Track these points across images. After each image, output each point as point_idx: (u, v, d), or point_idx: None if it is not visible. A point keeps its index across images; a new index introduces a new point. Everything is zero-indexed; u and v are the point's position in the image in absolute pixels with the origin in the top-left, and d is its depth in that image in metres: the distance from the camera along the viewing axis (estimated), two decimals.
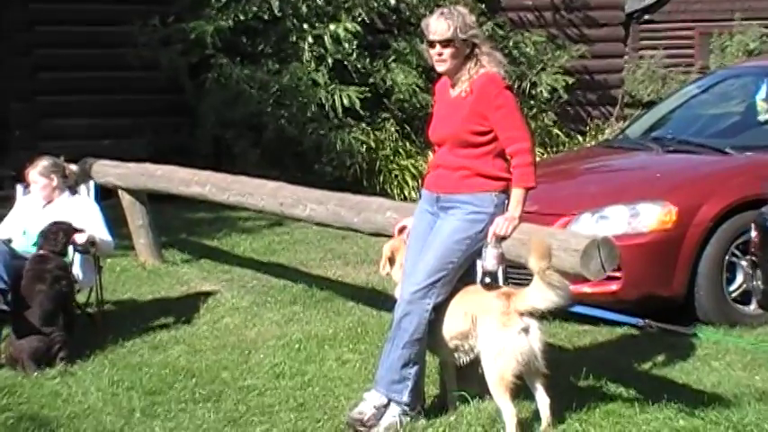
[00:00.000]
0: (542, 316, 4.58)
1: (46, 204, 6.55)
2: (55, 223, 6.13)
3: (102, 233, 6.49)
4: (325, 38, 11.63)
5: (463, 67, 4.64)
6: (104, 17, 11.70)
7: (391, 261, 4.97)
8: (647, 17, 24.10)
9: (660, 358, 5.62)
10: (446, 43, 4.59)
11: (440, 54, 4.63)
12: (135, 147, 10.37)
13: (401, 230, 5.00)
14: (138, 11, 11.52)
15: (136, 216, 8.24)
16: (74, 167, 6.94)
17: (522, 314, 4.42)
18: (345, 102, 11.52)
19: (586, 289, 6.01)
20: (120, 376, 5.49)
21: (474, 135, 4.59)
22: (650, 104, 11.04)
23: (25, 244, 6.25)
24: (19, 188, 6.93)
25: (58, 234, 6.05)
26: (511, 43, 12.97)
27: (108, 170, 8.23)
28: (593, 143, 12.42)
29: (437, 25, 4.61)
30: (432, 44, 4.64)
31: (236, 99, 11.38)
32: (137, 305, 7.05)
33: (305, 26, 11.76)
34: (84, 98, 11.61)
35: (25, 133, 11.42)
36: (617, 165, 7.66)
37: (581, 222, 6.31)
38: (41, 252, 6.02)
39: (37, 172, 6.52)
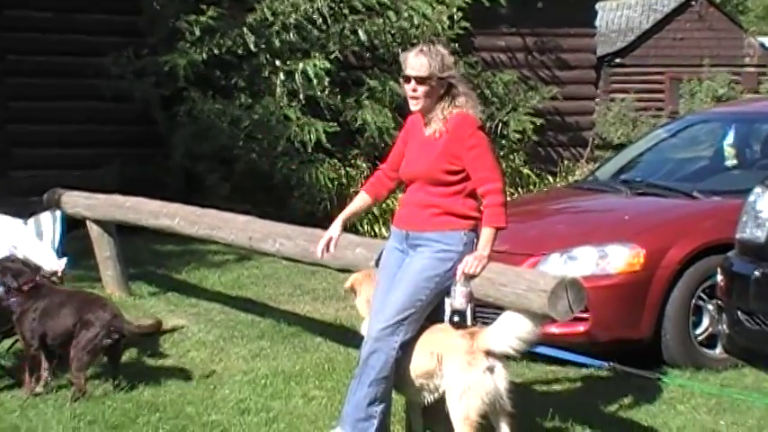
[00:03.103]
0: (508, 356, 4.59)
1: None
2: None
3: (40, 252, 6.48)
4: (296, 74, 11.65)
5: (437, 106, 4.65)
6: (78, 48, 11.66)
7: (354, 291, 4.98)
8: (618, 61, 24.44)
9: (627, 400, 5.63)
10: (422, 80, 4.60)
11: (414, 90, 4.64)
12: (105, 178, 10.31)
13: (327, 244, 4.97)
14: (113, 43, 11.50)
15: (104, 248, 8.18)
16: None
17: (487, 353, 4.41)
18: (313, 137, 11.52)
19: (554, 329, 6.01)
20: (82, 410, 5.41)
21: (446, 174, 4.60)
22: (620, 147, 11.15)
23: None
24: None
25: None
26: (482, 82, 13.06)
27: (77, 201, 8.18)
28: (563, 184, 12.50)
29: (415, 61, 4.62)
30: (407, 79, 4.65)
31: (208, 132, 11.35)
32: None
33: (277, 62, 11.78)
34: (55, 128, 11.54)
35: None
36: (586, 206, 7.71)
37: (550, 262, 6.33)
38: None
39: None
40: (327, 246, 4.99)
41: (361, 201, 5.04)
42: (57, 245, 6.78)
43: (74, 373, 5.59)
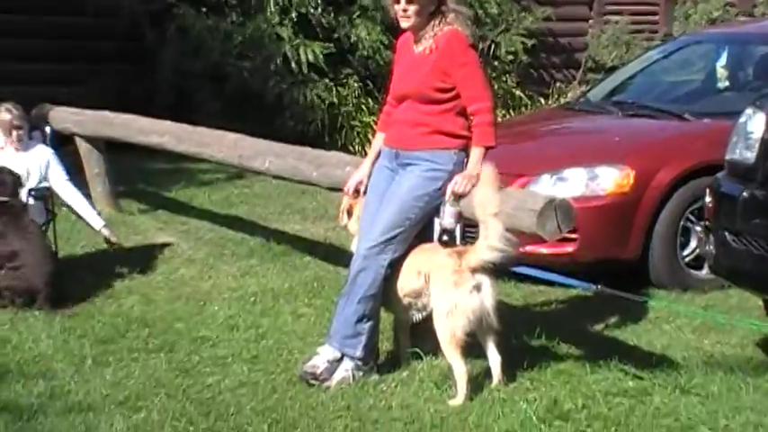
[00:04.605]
0: (496, 276, 4.62)
1: (4, 147, 6.50)
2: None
3: (60, 180, 6.51)
4: None
5: (428, 23, 4.60)
6: None
7: (349, 213, 4.97)
8: None
9: (612, 320, 5.69)
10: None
11: (404, 10, 4.59)
12: (92, 94, 10.20)
13: (356, 189, 4.95)
14: None
15: (93, 164, 8.15)
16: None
17: (474, 271, 4.43)
18: (310, 57, 11.42)
19: (542, 250, 6.06)
20: (72, 324, 5.45)
21: (436, 92, 4.57)
22: (613, 69, 11.03)
23: None
24: None
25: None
26: (476, 2, 12.88)
27: (65, 116, 8.12)
28: (554, 106, 12.44)
29: None
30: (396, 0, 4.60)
31: (198, 50, 11.23)
32: (91, 254, 6.97)
33: None
34: (41, 43, 11.38)
35: None
36: (577, 127, 7.69)
37: (540, 183, 6.33)
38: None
39: (20, 116, 6.48)
40: (357, 189, 4.92)
41: (379, 139, 4.96)
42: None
43: None
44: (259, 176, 8.56)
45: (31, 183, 6.45)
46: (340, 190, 5.64)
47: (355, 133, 11.83)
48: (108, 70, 11.37)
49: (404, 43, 4.81)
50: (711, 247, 5.21)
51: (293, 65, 11.40)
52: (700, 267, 6.38)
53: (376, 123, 11.52)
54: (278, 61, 11.35)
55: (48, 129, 7.37)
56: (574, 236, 5.96)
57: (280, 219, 8.38)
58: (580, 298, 6.08)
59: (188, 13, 11.21)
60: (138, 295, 6.07)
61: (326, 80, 11.80)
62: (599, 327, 5.62)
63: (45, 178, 6.52)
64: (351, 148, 11.41)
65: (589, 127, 7.59)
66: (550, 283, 6.13)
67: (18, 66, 11.14)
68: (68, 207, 6.81)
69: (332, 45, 11.60)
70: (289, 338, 5.28)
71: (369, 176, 4.92)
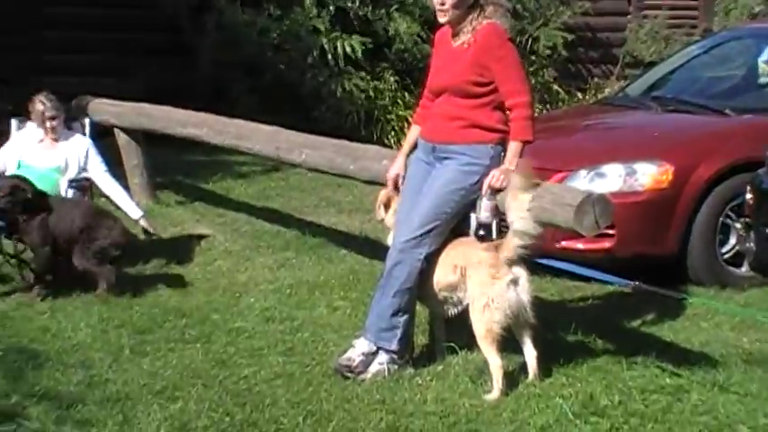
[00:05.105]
0: (533, 271, 4.60)
1: (43, 138, 6.56)
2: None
3: (99, 171, 6.56)
4: None
5: (466, 17, 4.59)
6: None
7: (386, 207, 4.97)
8: None
9: (649, 317, 5.64)
10: None
11: (442, 4, 4.58)
12: (132, 85, 10.28)
13: (395, 183, 4.95)
14: None
15: (131, 156, 8.21)
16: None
17: (510, 265, 4.41)
18: (348, 50, 11.44)
19: (579, 245, 6.03)
20: (110, 314, 5.50)
21: (474, 86, 4.56)
22: (652, 65, 10.94)
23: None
24: (14, 122, 6.91)
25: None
26: None
27: (105, 108, 8.18)
28: (592, 101, 12.36)
29: None
30: None
31: (236, 42, 11.28)
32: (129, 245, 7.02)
33: None
34: (84, 35, 11.48)
35: (23, 68, 11.30)
36: (615, 122, 7.64)
37: (577, 179, 6.29)
38: None
39: (53, 108, 6.51)
40: (395, 183, 4.92)
41: (414, 132, 4.96)
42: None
43: None
44: (295, 169, 8.60)
45: (70, 174, 6.52)
46: (377, 183, 5.65)
47: (391, 126, 11.83)
48: (147, 62, 11.43)
49: (441, 37, 4.80)
50: (752, 243, 5.17)
51: (329, 58, 11.42)
52: (739, 264, 6.32)
53: (412, 117, 11.71)
54: (314, 54, 11.37)
55: (87, 120, 7.43)
56: (611, 232, 5.92)
57: (315, 211, 8.40)
58: (617, 294, 6.04)
59: (227, 6, 11.26)
60: (175, 286, 6.11)
61: (363, 73, 11.81)
62: (636, 323, 5.57)
63: (84, 169, 6.57)
64: (386, 141, 11.41)
65: (627, 122, 7.53)
66: (586, 279, 6.09)
67: (60, 57, 11.25)
68: (107, 197, 6.86)
69: (369, 39, 11.60)
70: (324, 331, 5.29)
71: (404, 169, 4.92)
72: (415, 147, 4.91)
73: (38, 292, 5.76)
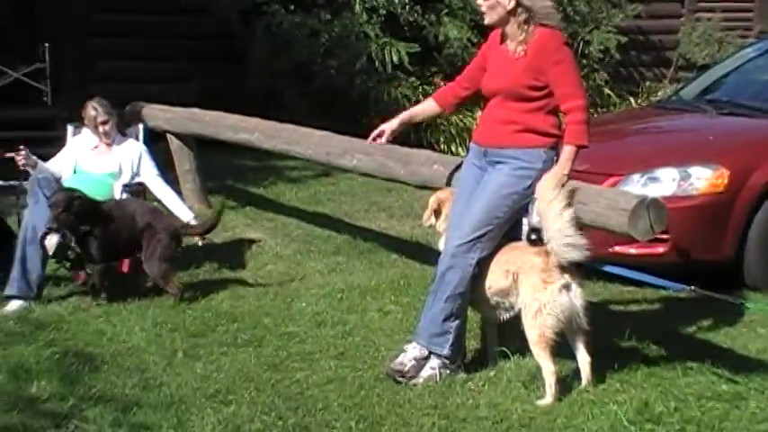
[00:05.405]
0: (586, 276, 4.56)
1: (97, 144, 6.64)
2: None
3: (151, 175, 6.62)
4: None
5: (511, 22, 4.56)
6: None
7: (437, 213, 4.96)
8: None
9: (705, 322, 5.56)
10: None
11: (480, 5, 4.62)
12: (184, 91, 10.38)
13: (377, 135, 5.14)
14: None
15: (183, 161, 8.28)
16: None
17: (563, 270, 4.38)
18: (395, 57, 11.46)
19: (632, 250, 5.97)
20: (163, 317, 5.55)
21: (528, 89, 4.53)
22: (705, 68, 10.81)
23: (77, 183, 6.33)
24: (69, 128, 7.00)
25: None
26: (565, 0, 12.75)
27: (157, 114, 8.26)
28: (644, 104, 12.23)
29: None
30: None
31: (287, 47, 11.34)
32: (182, 248, 7.08)
33: None
34: (136, 41, 11.63)
35: (78, 75, 11.47)
36: (669, 126, 7.55)
37: (630, 183, 6.23)
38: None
39: (105, 113, 6.59)
40: (378, 136, 5.12)
41: (426, 105, 5.14)
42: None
43: None
44: (345, 174, 8.62)
45: (123, 179, 6.58)
46: (427, 188, 5.65)
47: (440, 131, 11.80)
48: (199, 69, 11.55)
49: (494, 38, 4.77)
50: None
51: (377, 64, 11.44)
52: None
53: (461, 122, 11.69)
54: (363, 59, 11.40)
55: (140, 126, 7.51)
56: (665, 236, 5.86)
57: (366, 216, 8.41)
58: (670, 299, 5.96)
59: (276, 11, 11.33)
60: (227, 290, 6.15)
61: (413, 78, 11.81)
62: (691, 329, 5.50)
63: (137, 174, 6.64)
64: (437, 147, 11.39)
65: (681, 125, 7.44)
66: (639, 283, 6.02)
67: (115, 64, 11.41)
68: (159, 202, 6.92)
69: (417, 44, 11.60)
70: (375, 335, 5.29)
71: (392, 132, 5.10)
72: (418, 115, 5.17)
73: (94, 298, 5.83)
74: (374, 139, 5.18)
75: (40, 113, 10.80)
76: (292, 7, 11.48)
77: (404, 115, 5.18)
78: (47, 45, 10.86)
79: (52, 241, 5.80)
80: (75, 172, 6.51)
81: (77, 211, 5.79)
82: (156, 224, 5.98)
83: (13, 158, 6.35)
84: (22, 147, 6.40)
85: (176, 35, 11.75)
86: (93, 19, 11.61)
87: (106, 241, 5.85)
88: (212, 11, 11.48)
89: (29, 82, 10.85)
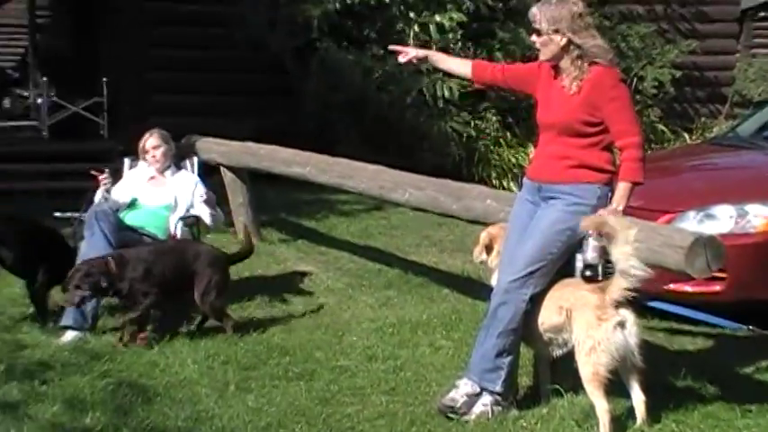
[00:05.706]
0: (640, 313, 4.50)
1: (154, 176, 6.71)
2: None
3: (203, 208, 6.64)
4: (431, 26, 11.60)
5: (564, 56, 4.54)
6: None
7: (488, 249, 4.93)
8: (762, 14, 23.36)
9: (763, 363, 5.45)
10: (537, 32, 4.58)
11: (534, 42, 4.62)
12: (239, 125, 10.50)
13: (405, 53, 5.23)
14: None
15: (237, 194, 8.35)
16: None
17: (617, 307, 4.33)
18: (446, 93, 11.49)
19: (687, 288, 5.89)
20: (215, 350, 5.57)
21: (584, 125, 4.51)
22: (761, 104, 10.71)
23: (133, 215, 6.41)
24: (126, 161, 7.09)
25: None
26: (617, 36, 12.73)
27: (211, 147, 8.35)
28: (699, 141, 12.12)
29: (531, 13, 4.62)
30: (533, 30, 4.64)
31: (340, 82, 11.43)
32: (233, 282, 7.09)
33: (411, 14, 11.74)
34: (192, 76, 11.81)
35: (134, 109, 11.66)
36: (725, 163, 7.47)
37: (686, 220, 6.16)
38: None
39: (157, 138, 6.66)
40: (404, 53, 5.22)
41: (461, 63, 5.26)
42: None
43: None
44: (397, 208, 8.63)
45: (179, 211, 6.63)
46: (479, 223, 5.63)
47: (493, 167, 11.80)
48: (254, 103, 11.69)
49: (548, 69, 4.75)
50: None
51: (428, 98, 11.49)
52: None
53: (514, 157, 11.68)
54: (414, 94, 11.45)
55: (195, 158, 7.58)
56: (722, 275, 5.77)
57: (417, 250, 8.40)
58: (727, 337, 5.87)
59: (331, 47, 11.43)
60: (278, 323, 6.17)
61: (465, 113, 11.83)
62: (749, 369, 5.40)
63: (192, 206, 6.68)
64: (488, 181, 11.38)
65: (738, 162, 7.36)
66: (696, 323, 5.95)
67: (171, 98, 11.58)
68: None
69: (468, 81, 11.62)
70: (426, 371, 5.26)
71: (416, 56, 5.20)
72: (445, 61, 5.27)
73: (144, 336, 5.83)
74: (402, 54, 5.23)
75: (96, 146, 10.99)
76: (345, 44, 11.57)
77: (435, 53, 5.35)
78: (104, 79, 11.07)
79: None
80: (131, 205, 6.58)
81: (93, 283, 5.64)
82: (204, 259, 5.96)
83: (87, 189, 6.45)
84: (106, 168, 6.53)
85: (232, 70, 11.90)
86: (150, 54, 11.82)
87: (149, 287, 5.77)
88: (267, 46, 11.61)
89: (87, 115, 11.03)
